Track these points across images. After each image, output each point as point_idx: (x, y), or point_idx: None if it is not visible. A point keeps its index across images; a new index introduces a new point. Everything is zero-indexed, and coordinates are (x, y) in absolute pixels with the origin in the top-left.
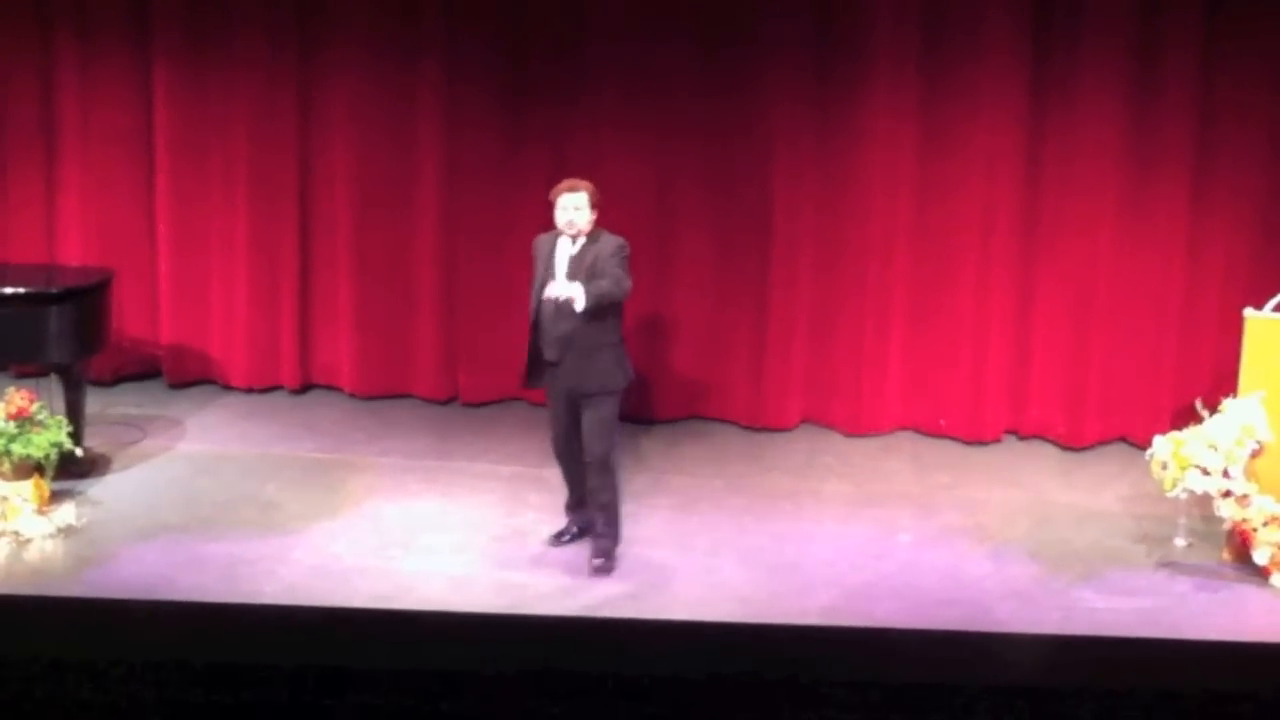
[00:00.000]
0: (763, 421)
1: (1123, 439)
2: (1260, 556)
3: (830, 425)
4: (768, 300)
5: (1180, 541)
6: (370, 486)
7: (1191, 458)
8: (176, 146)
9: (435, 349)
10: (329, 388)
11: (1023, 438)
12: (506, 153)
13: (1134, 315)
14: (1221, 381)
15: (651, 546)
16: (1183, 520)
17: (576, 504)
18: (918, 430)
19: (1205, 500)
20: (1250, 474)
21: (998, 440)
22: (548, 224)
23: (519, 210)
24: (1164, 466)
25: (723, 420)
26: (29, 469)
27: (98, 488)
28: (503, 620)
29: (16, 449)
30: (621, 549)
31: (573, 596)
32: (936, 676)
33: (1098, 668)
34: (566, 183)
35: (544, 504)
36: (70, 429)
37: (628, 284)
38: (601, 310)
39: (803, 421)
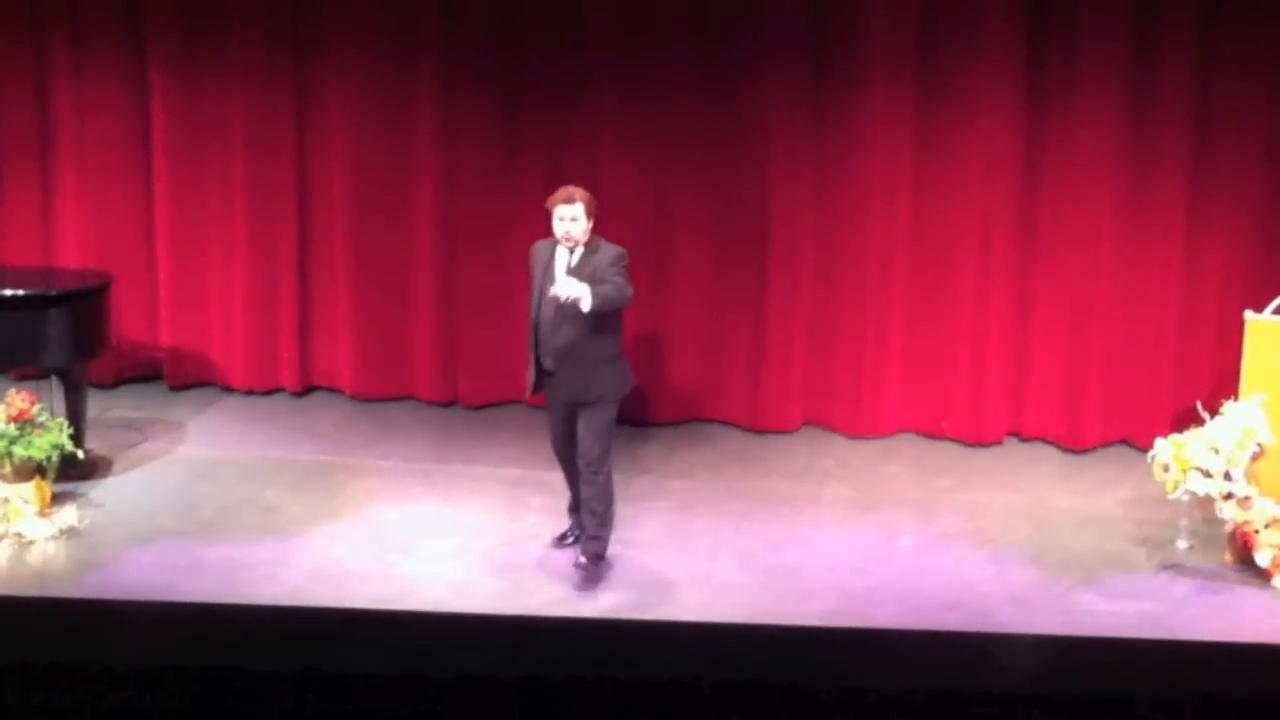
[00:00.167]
0: (763, 425)
1: (1124, 442)
2: (1262, 559)
3: (830, 428)
4: (767, 303)
5: (1182, 544)
6: (370, 490)
7: (1193, 460)
8: (173, 150)
9: (435, 352)
10: (330, 390)
11: (1024, 440)
12: (505, 156)
13: (1134, 318)
14: (1222, 384)
15: (652, 550)
16: (1184, 523)
17: (578, 506)
18: (918, 433)
19: (1206, 503)
20: (1251, 476)
21: (998, 443)
22: (546, 227)
23: (517, 212)
24: (1165, 469)
25: (723, 423)
26: (30, 471)
27: (98, 490)
28: (504, 623)
29: (18, 451)
30: (622, 552)
31: (574, 600)
32: (937, 680)
33: (1099, 671)
34: (563, 192)
35: (545, 507)
36: (71, 431)
37: (629, 292)
38: (601, 321)
39: (803, 425)
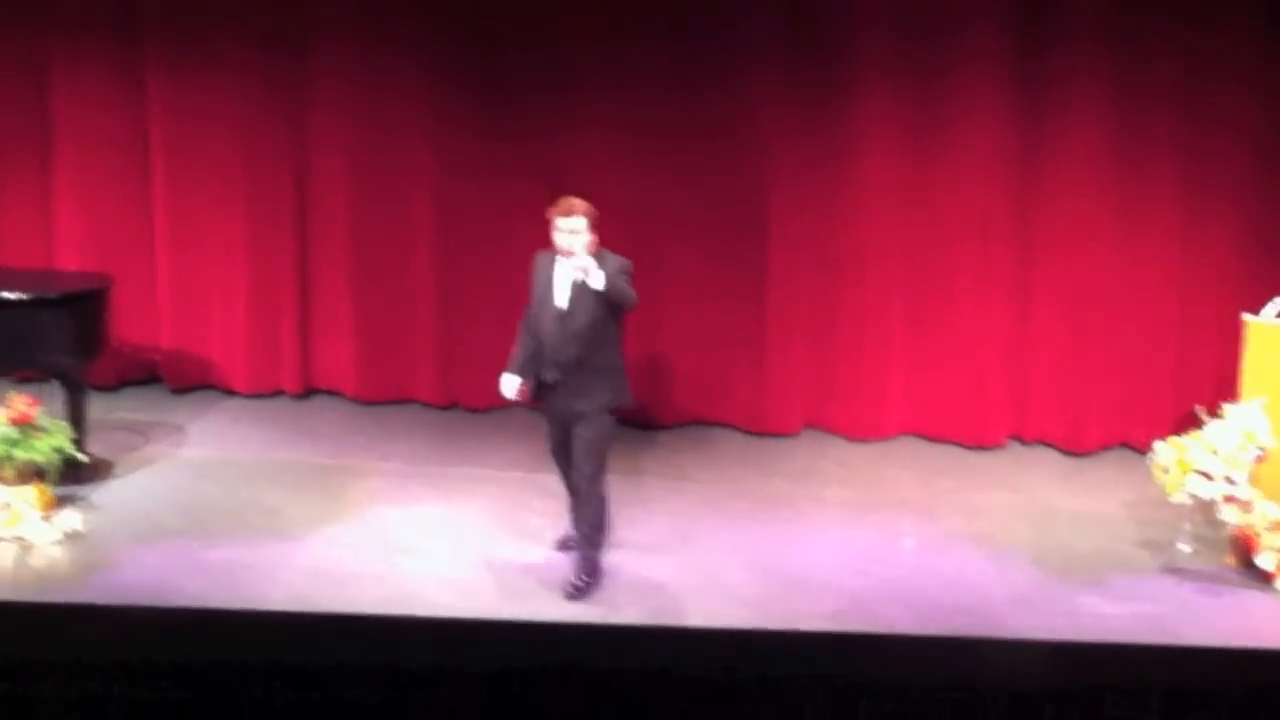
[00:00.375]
0: (764, 427)
1: (1125, 444)
2: (1264, 561)
3: (832, 431)
4: (768, 306)
5: (1183, 547)
6: (372, 492)
7: (1194, 463)
8: (172, 151)
9: (436, 354)
10: (330, 392)
11: (1025, 443)
12: (504, 159)
13: (1135, 320)
14: (1223, 387)
15: (654, 553)
16: (1186, 525)
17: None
18: (920, 435)
19: (1208, 505)
20: (1253, 479)
21: (1000, 445)
22: (545, 230)
23: (518, 215)
24: (1166, 471)
25: (724, 426)
26: (31, 474)
27: (100, 493)
28: (505, 625)
29: (19, 454)
30: (624, 555)
31: (576, 602)
32: (941, 681)
33: (1101, 673)
34: (563, 204)
35: (546, 509)
36: (72, 434)
37: (634, 295)
38: (602, 333)
39: (804, 427)
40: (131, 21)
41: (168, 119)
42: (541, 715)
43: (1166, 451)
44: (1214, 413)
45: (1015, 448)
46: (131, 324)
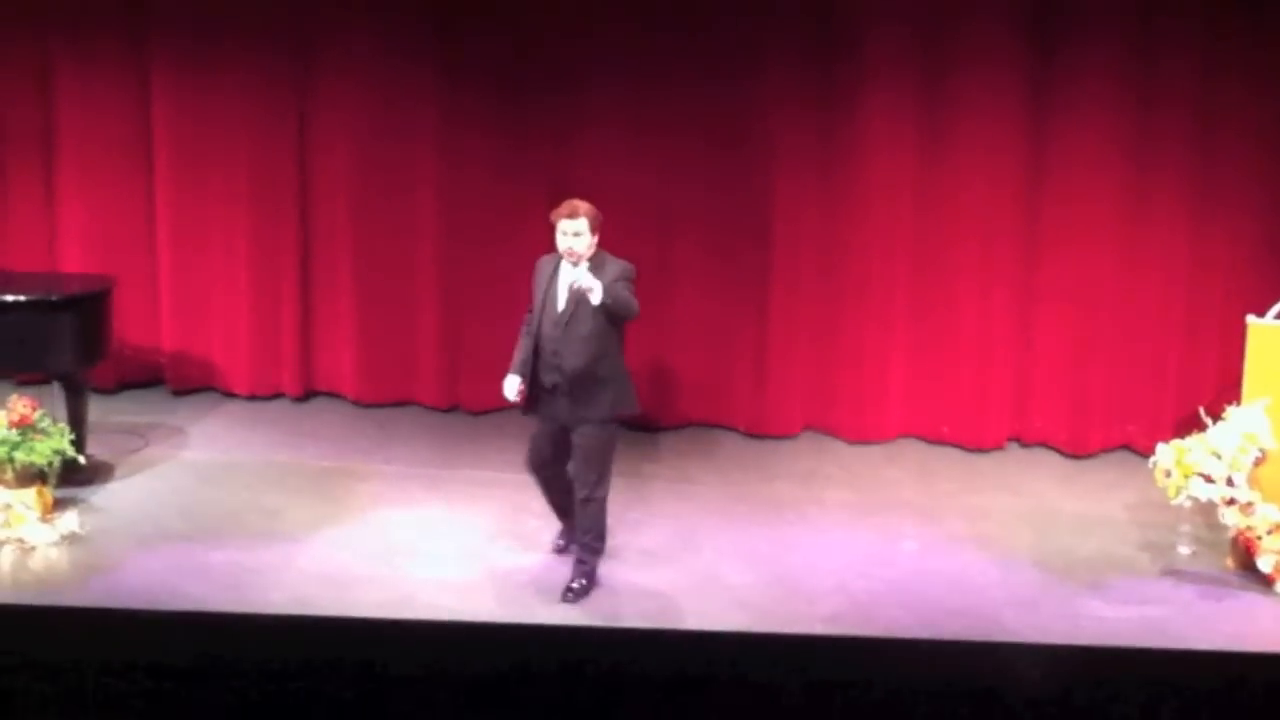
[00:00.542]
0: (765, 429)
1: (1126, 447)
2: (1264, 564)
3: (833, 433)
4: (769, 308)
5: (1184, 549)
6: (374, 494)
7: (1195, 465)
8: (176, 153)
9: (437, 356)
10: (331, 395)
11: (1026, 445)
12: (508, 160)
13: (1136, 322)
14: (1224, 389)
15: (655, 555)
16: (1186, 528)
17: (562, 513)
18: (921, 438)
19: (1209, 508)
20: (1254, 482)
21: (1001, 448)
22: (549, 231)
23: (520, 217)
24: (1167, 474)
25: (725, 428)
26: (32, 477)
27: (101, 495)
28: (507, 628)
29: (19, 456)
30: (625, 557)
31: (577, 605)
32: (942, 684)
33: (1102, 675)
34: (566, 207)
35: (547, 512)
36: (73, 437)
37: (635, 306)
38: (604, 339)
39: (805, 429)
40: (136, 22)
41: (172, 120)
42: (542, 717)
43: (1167, 454)
44: (1216, 415)
45: (1016, 450)
46: (133, 326)
